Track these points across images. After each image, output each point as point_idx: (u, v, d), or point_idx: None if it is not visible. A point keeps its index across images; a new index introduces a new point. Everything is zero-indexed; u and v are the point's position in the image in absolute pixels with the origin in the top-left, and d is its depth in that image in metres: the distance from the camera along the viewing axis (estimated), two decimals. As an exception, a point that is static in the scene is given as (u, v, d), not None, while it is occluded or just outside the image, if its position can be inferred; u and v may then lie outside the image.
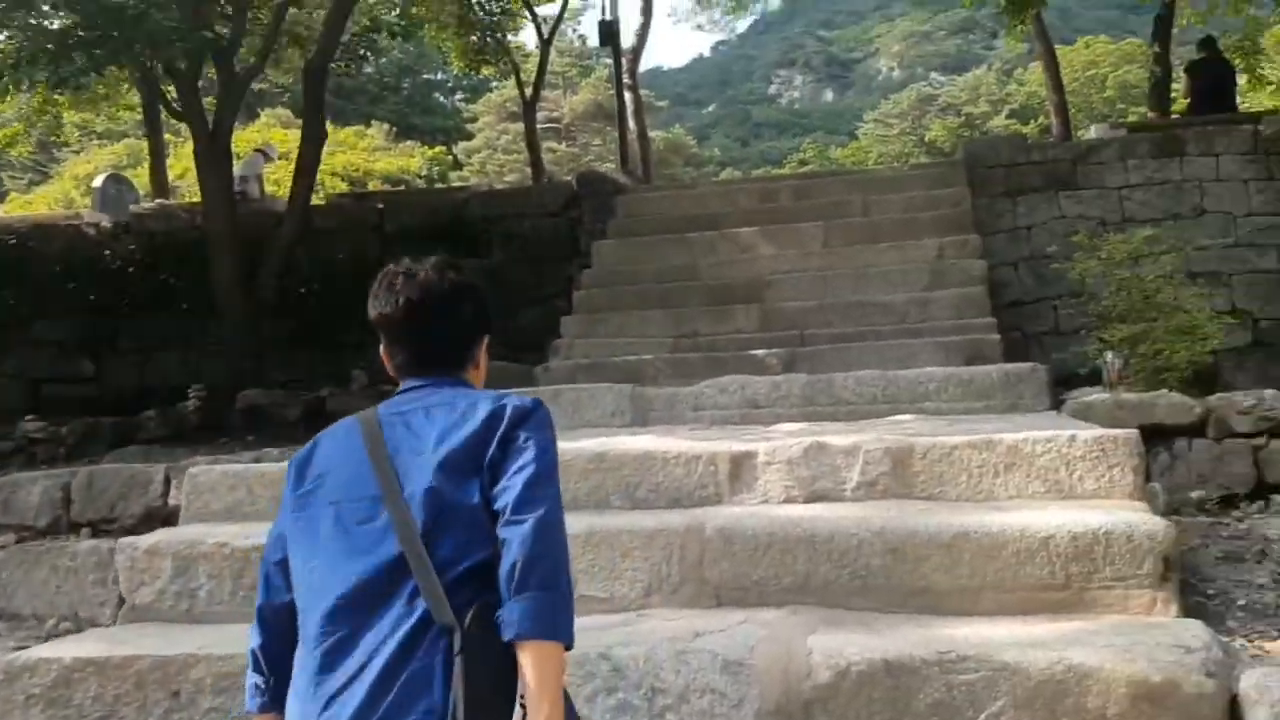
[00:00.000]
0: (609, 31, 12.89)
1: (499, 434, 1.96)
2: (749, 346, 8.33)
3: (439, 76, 59.09)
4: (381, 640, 1.88)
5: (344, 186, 39.84)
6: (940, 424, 4.90)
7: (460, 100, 57.44)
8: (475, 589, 1.88)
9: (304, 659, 1.98)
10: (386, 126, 50.32)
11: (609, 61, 17.98)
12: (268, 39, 10.47)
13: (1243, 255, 10.33)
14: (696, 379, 7.60)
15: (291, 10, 11.84)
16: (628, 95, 17.10)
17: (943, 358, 7.74)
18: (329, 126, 46.26)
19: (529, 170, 17.67)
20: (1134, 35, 65.38)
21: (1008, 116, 66.19)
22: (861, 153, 71.28)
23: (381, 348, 2.18)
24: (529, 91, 14.90)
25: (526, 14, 14.37)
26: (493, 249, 11.94)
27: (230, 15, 10.52)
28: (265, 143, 15.84)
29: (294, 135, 44.96)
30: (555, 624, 1.83)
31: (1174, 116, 11.91)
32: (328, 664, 1.91)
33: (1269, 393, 5.54)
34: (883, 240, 9.45)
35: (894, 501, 3.96)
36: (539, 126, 43.73)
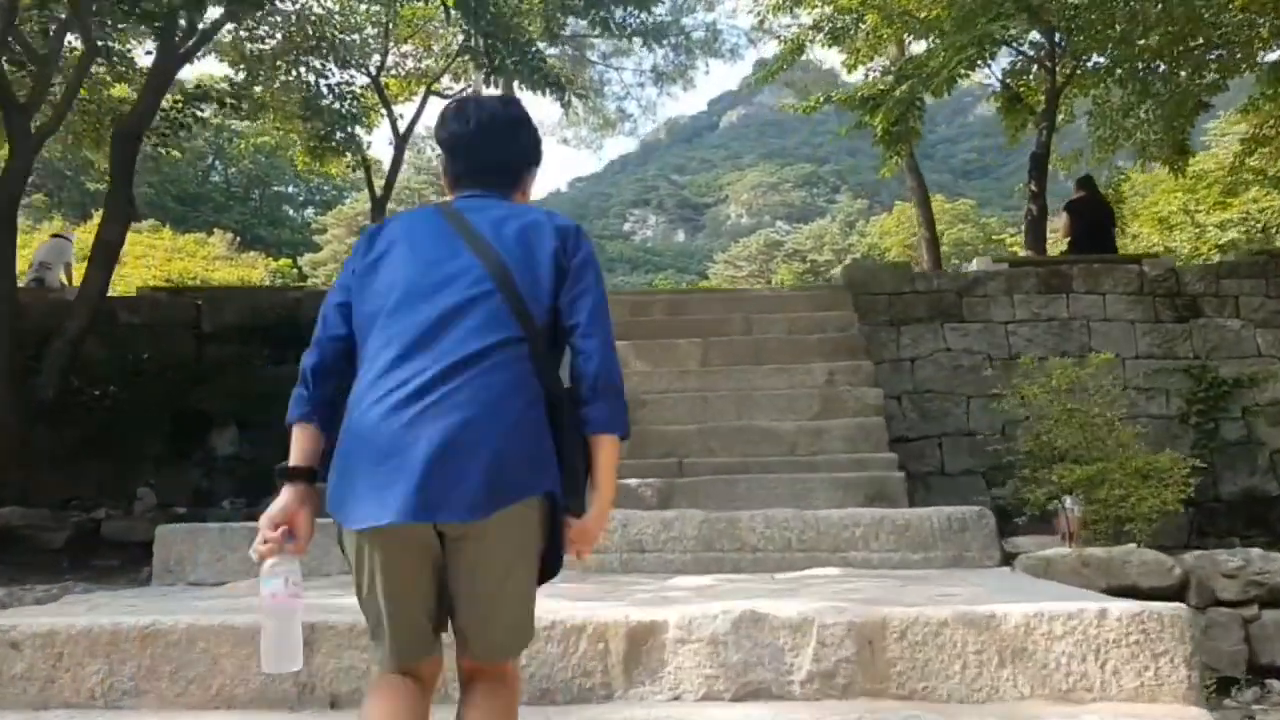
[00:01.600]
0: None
1: (569, 248, 2.28)
2: (619, 474, 7.07)
3: (290, 189, 57.33)
4: (472, 361, 2.11)
5: (179, 294, 37.43)
6: (891, 585, 3.69)
7: (311, 214, 55.69)
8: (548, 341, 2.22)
9: (379, 378, 2.12)
10: (230, 236, 48.03)
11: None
12: (67, 94, 8.90)
13: (1133, 399, 9.72)
14: None
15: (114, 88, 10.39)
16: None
17: (841, 496, 6.67)
18: (168, 232, 43.57)
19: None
20: (964, 197, 69.11)
21: (845, 267, 68.60)
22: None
23: (442, 165, 2.45)
24: (380, 192, 13.64)
25: (381, 109, 13.21)
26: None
27: (30, 71, 8.98)
28: (65, 227, 13.96)
29: (130, 238, 42.29)
30: (624, 423, 2.27)
31: (1052, 256, 11.49)
32: (414, 384, 2.09)
33: (1255, 552, 4.59)
34: (767, 362, 8.42)
35: (864, 701, 2.71)
36: (391, 243, 42.53)
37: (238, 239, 48.27)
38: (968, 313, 10.12)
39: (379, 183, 13.91)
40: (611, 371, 2.22)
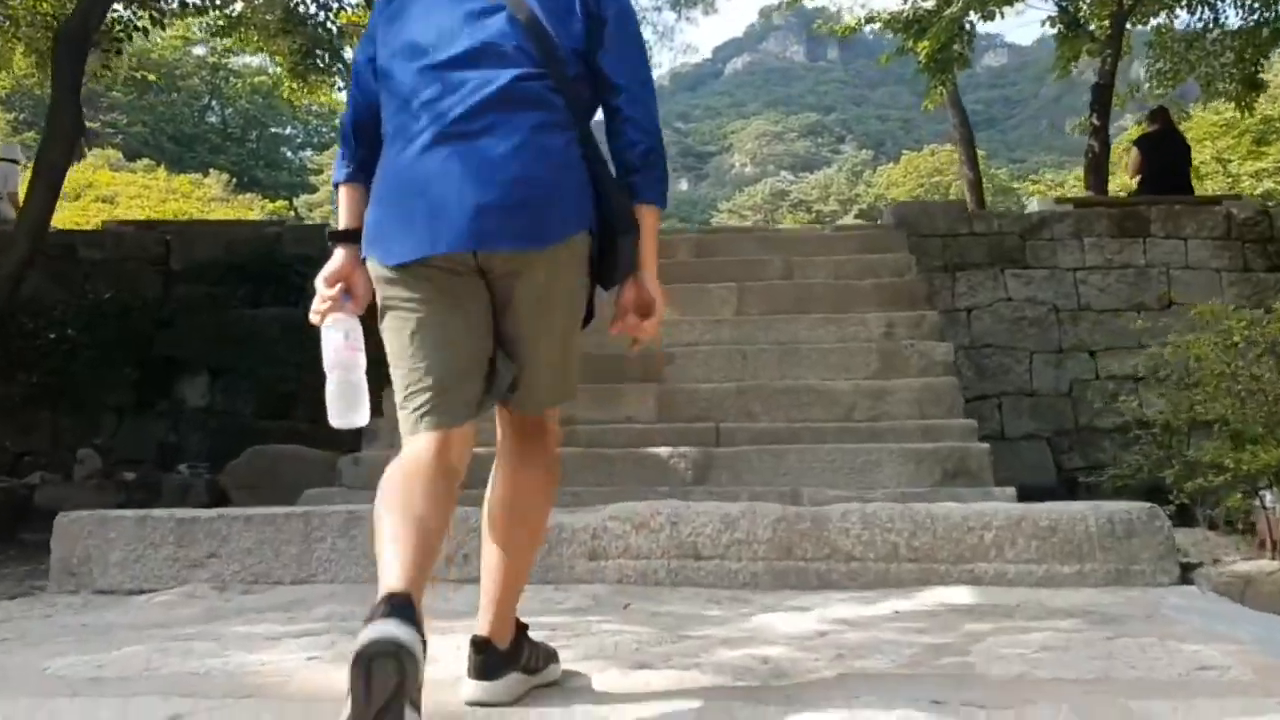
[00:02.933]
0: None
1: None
2: (646, 442, 5.91)
3: (288, 130, 55.69)
4: (505, 96, 2.04)
5: (173, 235, 36.13)
6: (1089, 638, 2.49)
7: (309, 155, 54.11)
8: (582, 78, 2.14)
9: (412, 118, 2.07)
10: (226, 177, 46.59)
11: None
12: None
13: (1218, 356, 8.52)
14: (573, 487, 5.21)
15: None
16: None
17: (913, 470, 5.52)
18: (162, 172, 42.14)
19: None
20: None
21: (856, 215, 66.97)
22: (716, 240, 71.14)
23: None
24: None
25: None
26: (307, 296, 9.18)
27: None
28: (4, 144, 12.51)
29: (123, 178, 40.82)
30: (667, 194, 2.25)
31: (1121, 197, 10.22)
32: (451, 113, 2.04)
33: None
34: (813, 310, 7.20)
35: None
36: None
37: (234, 180, 46.91)
38: (1031, 258, 8.89)
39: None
40: (660, 143, 2.20)
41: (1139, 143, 9.95)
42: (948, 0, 10.81)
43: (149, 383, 9.09)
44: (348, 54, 10.99)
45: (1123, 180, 13.47)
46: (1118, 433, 8.48)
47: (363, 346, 2.19)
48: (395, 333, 2.12)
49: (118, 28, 9.16)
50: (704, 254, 8.25)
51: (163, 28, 10.08)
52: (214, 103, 54.42)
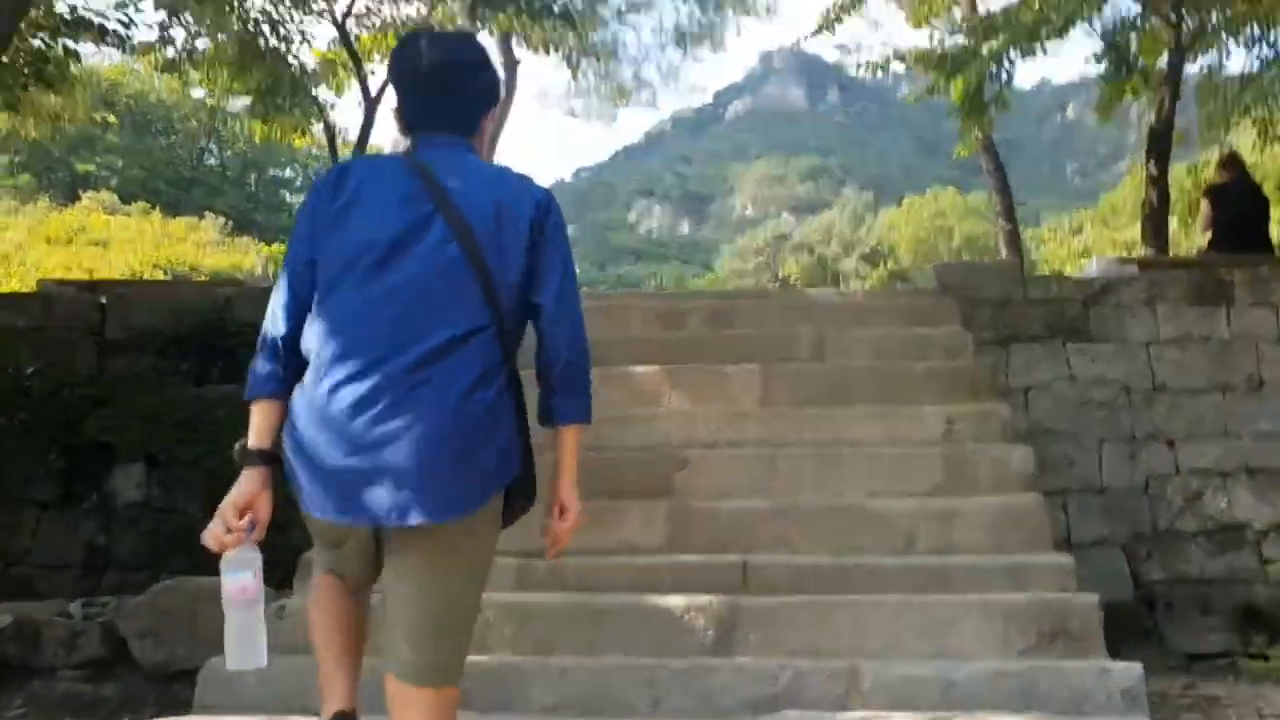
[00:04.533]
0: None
1: (545, 224, 2.21)
2: (652, 585, 4.58)
3: (287, 173, 54.87)
4: (439, 353, 2.04)
5: (168, 282, 35.01)
6: None
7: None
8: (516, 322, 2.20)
9: (340, 360, 2.04)
10: (223, 220, 45.61)
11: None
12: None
13: (1315, 451, 7.21)
14: (558, 650, 3.95)
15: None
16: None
17: (1001, 631, 4.20)
18: (157, 216, 41.15)
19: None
20: (972, 192, 66.59)
21: (859, 259, 66.01)
22: (719, 283, 69.84)
23: (395, 107, 2.33)
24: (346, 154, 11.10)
25: (348, 64, 10.57)
26: (263, 371, 7.90)
27: None
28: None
29: (117, 222, 39.72)
30: (590, 410, 2.29)
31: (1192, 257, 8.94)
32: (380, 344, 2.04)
33: None
34: (855, 401, 5.90)
35: None
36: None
37: (230, 224, 45.94)
38: (1096, 329, 7.60)
39: (347, 153, 11.28)
40: (584, 359, 2.23)
41: (1209, 194, 8.70)
42: (984, 35, 9.60)
43: (78, 473, 7.77)
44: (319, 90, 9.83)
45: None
46: (1203, 537, 7.16)
47: (262, 579, 2.10)
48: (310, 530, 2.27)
49: (34, 59, 7.91)
50: (720, 324, 6.96)
51: (77, 59, 8.80)
52: (212, 145, 53.67)
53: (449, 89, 2.25)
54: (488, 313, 2.09)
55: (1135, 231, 28.18)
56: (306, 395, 2.09)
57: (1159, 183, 9.49)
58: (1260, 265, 7.79)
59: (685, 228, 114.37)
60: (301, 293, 2.18)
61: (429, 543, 2.07)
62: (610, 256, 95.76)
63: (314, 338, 2.12)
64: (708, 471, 5.35)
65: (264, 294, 8.20)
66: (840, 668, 3.96)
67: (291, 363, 2.16)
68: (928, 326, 6.78)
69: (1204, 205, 8.69)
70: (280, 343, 2.17)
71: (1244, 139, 11.82)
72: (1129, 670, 3.90)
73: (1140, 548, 7.12)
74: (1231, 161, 8.74)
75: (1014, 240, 11.52)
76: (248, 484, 2.15)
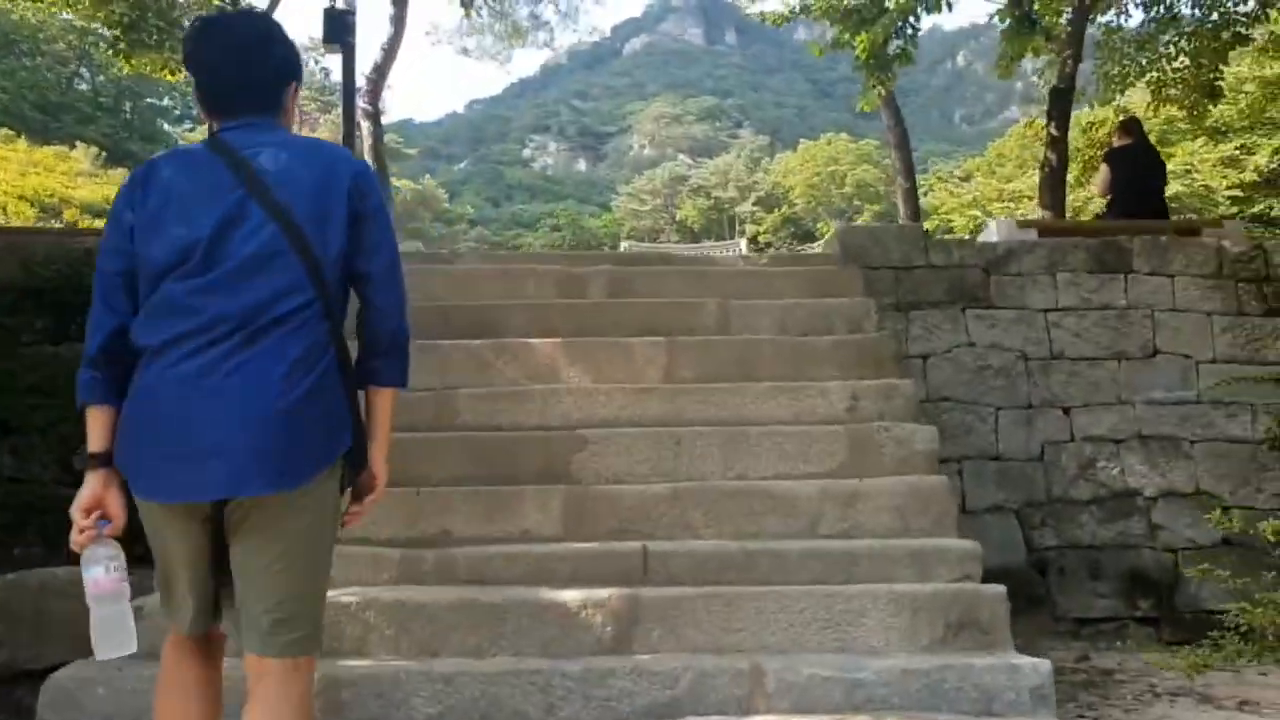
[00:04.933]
0: (339, 24, 8.61)
1: (363, 193, 2.21)
2: (547, 577, 4.33)
3: (165, 102, 52.06)
4: (266, 329, 2.08)
5: (33, 214, 32.94)
6: None
7: (189, 128, 50.79)
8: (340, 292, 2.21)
9: (167, 344, 2.09)
10: (95, 150, 43.15)
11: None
12: None
13: (1207, 416, 7.32)
14: (445, 652, 3.69)
15: None
16: (364, 123, 12.70)
17: (908, 623, 4.09)
18: (23, 144, 38.68)
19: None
20: (865, 137, 67.17)
21: (754, 203, 66.25)
22: (615, 224, 69.50)
23: (195, 91, 2.31)
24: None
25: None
26: (128, 331, 7.34)
27: None
28: None
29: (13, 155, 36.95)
30: (407, 373, 2.35)
31: (1091, 222, 8.94)
32: (205, 336, 2.07)
33: None
34: (761, 376, 5.70)
35: None
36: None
37: (104, 154, 43.52)
38: (998, 296, 7.56)
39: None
40: (405, 326, 2.29)
41: (1109, 157, 8.69)
42: (893, -10, 9.40)
43: (-79, 440, 7.13)
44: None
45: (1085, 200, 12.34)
46: (1096, 505, 7.24)
47: (125, 571, 2.17)
48: (150, 544, 2.27)
49: None
50: (620, 292, 6.67)
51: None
52: (83, 69, 50.49)
53: (244, 69, 2.27)
54: (311, 289, 2.12)
55: (1023, 183, 28.76)
56: (136, 384, 2.15)
57: (1058, 144, 9.48)
58: (1159, 233, 7.83)
59: (581, 165, 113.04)
60: (116, 305, 2.23)
61: (268, 516, 2.12)
62: (504, 193, 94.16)
63: (142, 331, 2.16)
64: (608, 453, 5.09)
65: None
66: (743, 668, 3.80)
67: (112, 370, 2.20)
68: (832, 296, 6.62)
69: (1102, 169, 8.69)
70: (98, 354, 2.22)
71: (1137, 97, 11.95)
72: (1037, 668, 3.82)
73: (1034, 514, 7.18)
74: (1130, 125, 8.75)
75: (912, 198, 11.44)
76: (90, 486, 2.21)
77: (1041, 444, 7.29)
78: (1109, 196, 8.62)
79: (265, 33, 2.33)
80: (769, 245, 59.55)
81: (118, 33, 8.67)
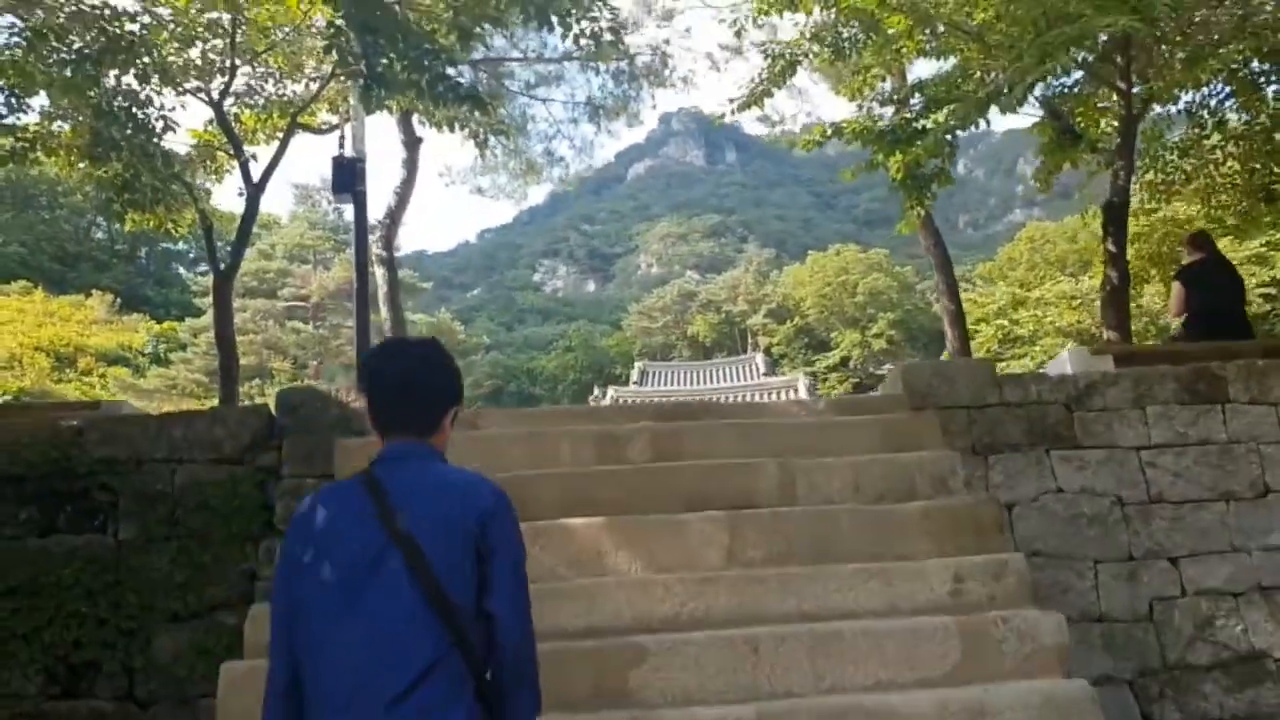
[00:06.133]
0: (348, 173, 8.09)
1: (489, 532, 2.30)
2: None
3: (180, 246, 52.29)
4: (408, 679, 2.14)
5: (47, 364, 32.59)
6: None
7: (202, 272, 50.96)
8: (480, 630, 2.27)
9: (344, 662, 2.18)
10: (110, 297, 43.08)
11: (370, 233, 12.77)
12: None
13: (1327, 565, 6.41)
14: None
15: None
16: (378, 269, 12.17)
17: None
18: (40, 294, 38.47)
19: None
20: (871, 247, 67.14)
21: (765, 315, 65.83)
22: (627, 343, 69.04)
23: (367, 408, 2.51)
24: (227, 259, 9.67)
25: (228, 149, 9.25)
26: (118, 517, 6.55)
27: None
28: None
29: (1, 301, 36.80)
30: (538, 705, 2.37)
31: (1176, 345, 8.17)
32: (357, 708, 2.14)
33: None
34: (840, 553, 4.86)
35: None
36: (283, 304, 37.88)
37: (118, 301, 43.45)
38: (1083, 434, 6.72)
39: (231, 234, 9.90)
40: (528, 656, 2.35)
41: (1180, 276, 7.97)
42: (927, 108, 8.83)
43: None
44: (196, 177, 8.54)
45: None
46: (1219, 670, 6.27)
47: None
48: None
49: None
50: (666, 453, 5.86)
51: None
52: (100, 219, 50.95)
53: (410, 395, 2.47)
54: (448, 639, 2.19)
55: (1046, 289, 28.13)
56: None
57: (1118, 260, 8.77)
58: (1248, 356, 7.05)
59: (591, 286, 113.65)
60: (285, 638, 2.30)
61: None
62: (517, 317, 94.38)
63: (304, 679, 2.26)
64: (673, 666, 4.22)
65: (120, 427, 6.93)
66: None
67: (291, 706, 2.27)
68: (907, 448, 5.80)
69: (1175, 287, 7.96)
70: (276, 693, 2.30)
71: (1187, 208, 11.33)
72: None
73: (1150, 684, 6.20)
74: (1200, 240, 8.06)
75: (959, 322, 10.73)
76: None
77: (1150, 601, 6.36)
78: (1184, 316, 7.87)
79: (432, 360, 2.53)
80: (783, 357, 58.98)
81: (113, 193, 8.17)
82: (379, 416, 2.49)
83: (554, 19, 8.59)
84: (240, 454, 6.71)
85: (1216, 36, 8.63)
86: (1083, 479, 6.61)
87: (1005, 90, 7.57)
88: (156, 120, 7.97)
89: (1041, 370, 7.18)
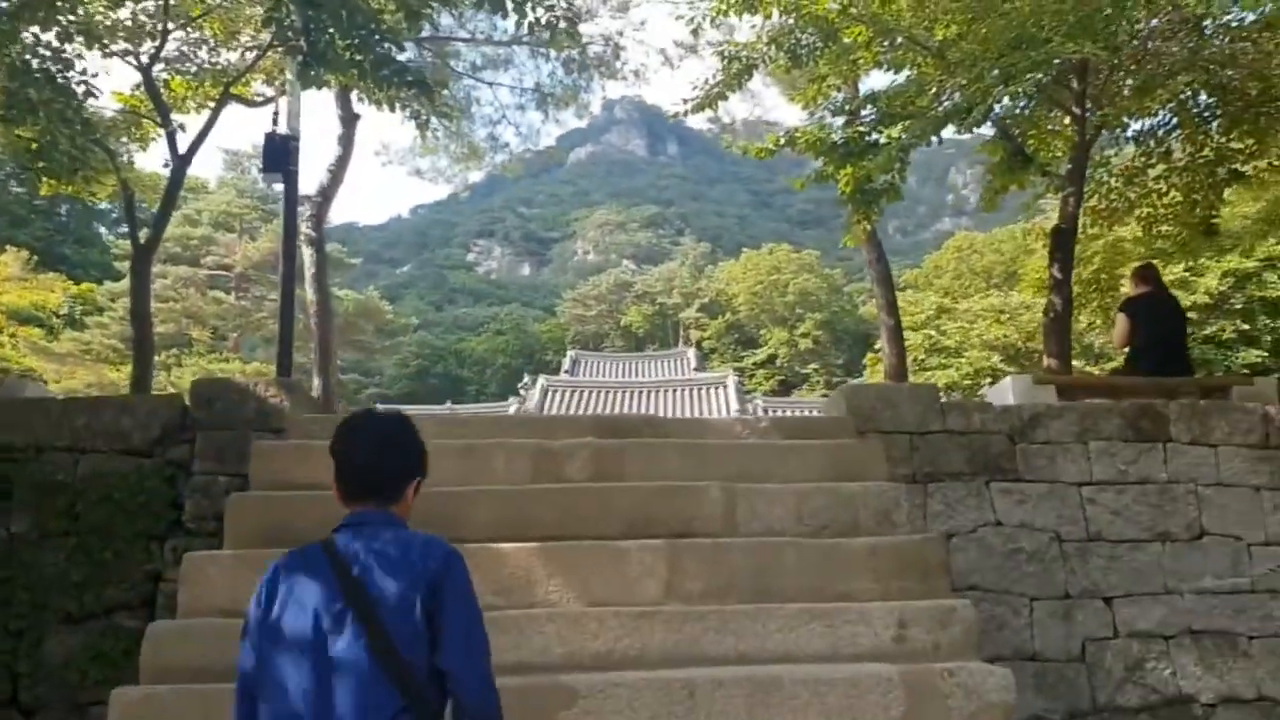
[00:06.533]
0: (280, 152, 7.61)
1: (438, 593, 2.41)
2: None
3: (104, 205, 50.41)
4: None
5: (-44, 324, 31.12)
6: None
7: (124, 233, 49.10)
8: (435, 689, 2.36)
9: None
10: (26, 254, 41.29)
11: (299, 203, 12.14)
12: None
13: (1265, 608, 6.39)
14: None
15: None
16: (306, 248, 11.62)
17: None
18: (-47, 252, 36.23)
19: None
20: (804, 248, 67.50)
21: (698, 310, 65.90)
22: (560, 329, 68.57)
23: (334, 472, 2.65)
24: (149, 231, 9.09)
25: (155, 116, 8.66)
26: (12, 508, 6.08)
27: None
28: None
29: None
30: None
31: (1118, 378, 8.10)
32: None
33: None
34: (782, 589, 4.65)
35: None
36: (206, 273, 36.66)
37: (35, 258, 41.70)
38: (1025, 467, 6.62)
39: (154, 206, 9.29)
40: (485, 704, 2.39)
41: (1126, 308, 7.91)
42: (882, 121, 8.66)
43: None
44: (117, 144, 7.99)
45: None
46: (1146, 713, 6.22)
47: None
48: None
49: None
50: (606, 472, 5.59)
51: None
52: (16, 169, 48.93)
53: (372, 473, 2.60)
54: (401, 699, 2.28)
55: (976, 301, 28.42)
56: None
57: (1063, 287, 8.69)
58: (1189, 394, 7.01)
59: (526, 270, 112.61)
60: (249, 700, 2.43)
61: None
62: (447, 297, 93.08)
63: None
64: (603, 709, 3.96)
65: (21, 408, 6.43)
66: None
67: None
68: (851, 477, 5.61)
69: (1120, 319, 7.90)
70: None
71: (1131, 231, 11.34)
72: None
73: (1082, 728, 6.12)
74: (1147, 273, 8.01)
75: (897, 338, 10.61)
76: None
77: (1083, 641, 6.29)
78: (1126, 351, 7.82)
79: (395, 439, 2.66)
80: (713, 352, 59.03)
81: (31, 157, 7.62)
82: (343, 489, 2.62)
83: (509, 3, 8.22)
84: (149, 446, 6.29)
85: (1167, 66, 8.60)
86: (1023, 513, 6.51)
87: (965, 110, 7.42)
88: (78, 84, 7.42)
89: (983, 398, 7.06)
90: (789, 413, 29.16)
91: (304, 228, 11.42)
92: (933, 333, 25.89)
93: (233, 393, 6.37)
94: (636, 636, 4.34)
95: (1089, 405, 6.79)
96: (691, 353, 46.16)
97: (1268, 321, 19.04)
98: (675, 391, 35.37)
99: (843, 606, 4.50)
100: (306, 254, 11.70)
